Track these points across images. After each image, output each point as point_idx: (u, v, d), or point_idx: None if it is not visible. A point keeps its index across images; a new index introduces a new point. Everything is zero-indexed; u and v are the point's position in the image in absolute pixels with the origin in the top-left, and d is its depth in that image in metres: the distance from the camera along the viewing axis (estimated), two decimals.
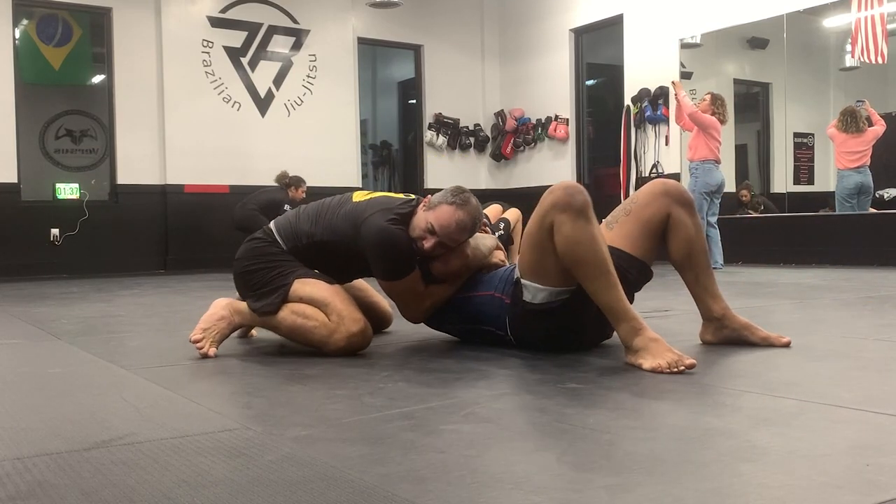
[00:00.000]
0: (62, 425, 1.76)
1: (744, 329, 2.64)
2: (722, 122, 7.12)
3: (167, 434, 1.64)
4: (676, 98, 7.35)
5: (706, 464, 1.39)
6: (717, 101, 7.13)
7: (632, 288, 2.65)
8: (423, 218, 2.63)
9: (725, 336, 2.65)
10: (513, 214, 5.85)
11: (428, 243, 2.61)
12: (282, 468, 1.38)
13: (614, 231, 2.63)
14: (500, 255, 2.84)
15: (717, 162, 7.09)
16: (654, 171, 8.82)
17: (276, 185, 8.13)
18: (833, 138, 7.68)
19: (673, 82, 7.60)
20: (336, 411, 1.86)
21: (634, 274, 2.62)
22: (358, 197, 2.81)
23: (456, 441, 1.55)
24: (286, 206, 7.74)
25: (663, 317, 3.55)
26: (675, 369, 2.17)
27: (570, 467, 1.40)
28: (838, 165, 7.64)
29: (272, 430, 1.66)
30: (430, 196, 2.72)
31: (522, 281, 2.50)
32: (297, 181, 8.04)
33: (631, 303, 2.68)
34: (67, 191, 8.43)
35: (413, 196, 2.82)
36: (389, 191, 9.94)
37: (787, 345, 2.61)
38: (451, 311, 2.79)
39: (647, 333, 2.27)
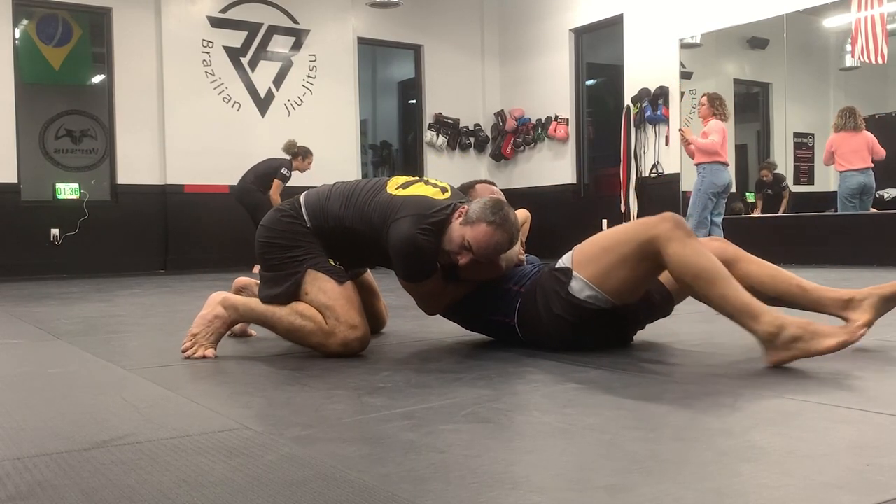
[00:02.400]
0: (62, 425, 1.76)
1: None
2: (724, 119, 7.07)
3: (167, 434, 1.64)
4: (689, 145, 7.17)
5: (706, 464, 1.39)
6: (715, 102, 7.05)
7: (655, 313, 2.66)
8: (460, 234, 2.52)
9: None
10: (520, 216, 5.81)
11: (463, 259, 2.54)
12: (282, 468, 1.38)
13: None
14: (521, 258, 2.81)
15: (726, 164, 7.04)
16: (654, 171, 8.82)
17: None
18: (834, 143, 7.56)
19: (680, 130, 7.52)
20: (336, 411, 1.86)
21: (658, 298, 2.61)
22: (394, 186, 2.69)
23: (456, 441, 1.55)
24: (283, 170, 7.68)
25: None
26: (859, 335, 2.17)
27: (570, 467, 1.40)
28: (839, 168, 7.55)
29: (272, 430, 1.66)
30: (465, 206, 2.60)
31: (575, 273, 2.47)
32: (305, 152, 7.92)
33: (642, 327, 2.70)
34: (67, 191, 8.43)
35: (448, 189, 2.71)
36: None
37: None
38: (467, 304, 2.76)
39: (795, 321, 2.17)
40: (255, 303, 2.69)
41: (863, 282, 5.28)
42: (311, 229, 2.68)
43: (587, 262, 2.47)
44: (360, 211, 2.65)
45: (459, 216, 2.56)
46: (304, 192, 2.81)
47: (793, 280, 2.52)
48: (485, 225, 2.50)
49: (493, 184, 3.16)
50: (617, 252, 2.40)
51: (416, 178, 2.82)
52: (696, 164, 7.12)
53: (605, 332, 2.58)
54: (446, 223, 2.56)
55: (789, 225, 7.98)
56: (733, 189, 7.99)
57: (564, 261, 2.55)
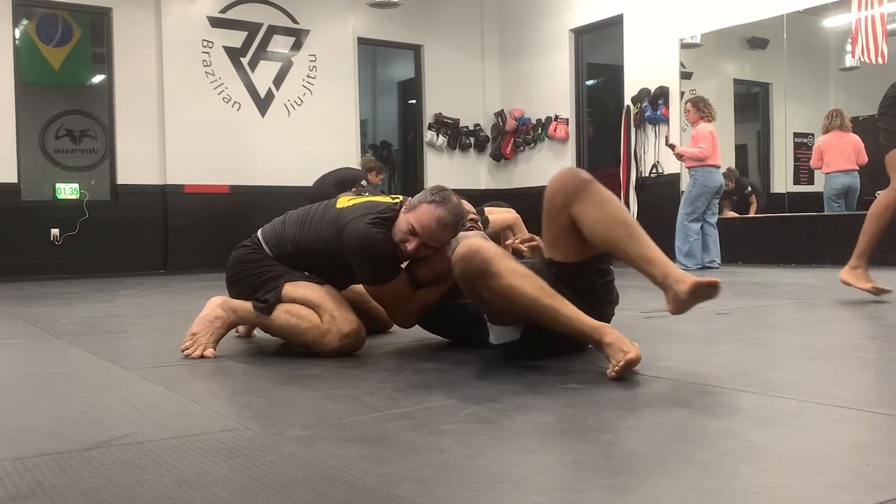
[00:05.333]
0: (62, 425, 1.76)
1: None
2: (712, 120, 7.19)
3: (167, 434, 1.64)
4: (681, 156, 7.40)
5: (706, 464, 1.39)
6: (699, 105, 7.22)
7: (605, 292, 2.52)
8: (405, 220, 2.60)
9: (676, 297, 2.23)
10: (506, 216, 5.78)
11: (410, 245, 2.59)
12: (282, 468, 1.38)
13: (546, 243, 2.51)
14: None
15: (717, 166, 7.20)
16: (654, 171, 8.82)
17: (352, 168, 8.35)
18: (823, 144, 7.66)
19: (671, 146, 7.75)
20: (336, 411, 1.86)
21: (589, 275, 2.44)
22: (342, 202, 2.78)
23: (456, 441, 1.55)
24: (363, 182, 7.97)
25: (663, 317, 3.54)
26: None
27: (570, 467, 1.40)
28: (825, 170, 7.68)
29: (272, 430, 1.66)
30: (410, 198, 2.70)
31: (490, 325, 2.45)
32: (379, 168, 8.36)
33: (617, 303, 2.60)
34: (67, 191, 8.42)
35: (399, 198, 2.79)
36: (389, 192, 9.96)
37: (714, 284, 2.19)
38: (443, 317, 2.77)
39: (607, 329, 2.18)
40: (251, 305, 2.71)
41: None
42: (274, 257, 2.74)
43: (488, 311, 2.44)
44: (314, 231, 2.71)
45: (405, 208, 2.65)
46: (260, 229, 2.88)
47: (621, 241, 2.29)
48: (425, 205, 2.58)
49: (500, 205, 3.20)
50: (473, 290, 2.34)
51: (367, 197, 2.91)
52: (689, 168, 7.32)
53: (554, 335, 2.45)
54: (395, 218, 2.64)
55: (789, 225, 7.98)
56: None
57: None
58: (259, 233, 2.85)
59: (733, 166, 8.85)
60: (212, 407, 1.93)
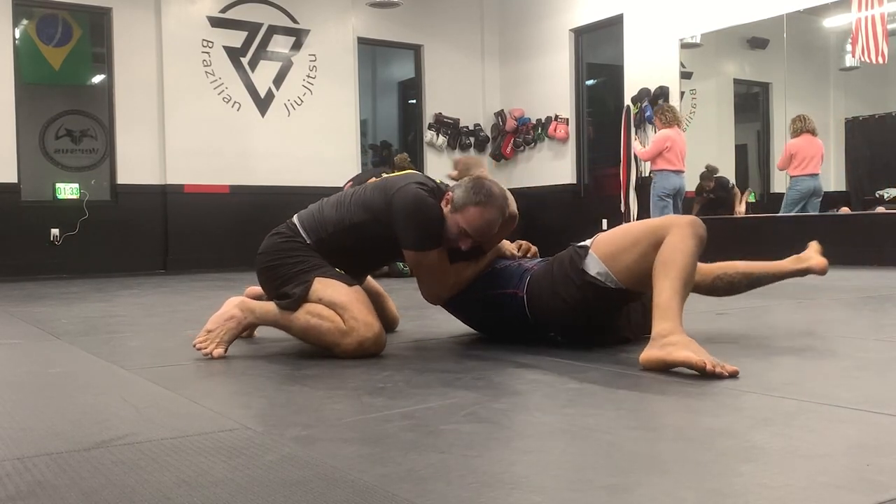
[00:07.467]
0: (62, 425, 1.76)
1: None
2: (672, 125, 7.60)
3: (167, 434, 1.64)
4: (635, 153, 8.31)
5: (706, 464, 1.39)
6: (658, 113, 7.85)
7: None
8: (454, 221, 2.63)
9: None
10: None
11: (465, 245, 2.65)
12: (282, 468, 1.38)
13: None
14: (511, 251, 2.90)
15: (674, 171, 7.63)
16: (653, 171, 8.82)
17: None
18: (794, 148, 7.71)
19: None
20: (336, 411, 1.86)
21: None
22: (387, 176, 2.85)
23: (456, 441, 1.55)
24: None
25: None
26: (719, 368, 2.08)
27: (570, 467, 1.40)
28: (793, 172, 7.74)
29: (272, 430, 1.66)
30: (450, 192, 2.68)
31: (592, 253, 2.54)
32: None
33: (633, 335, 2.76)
34: (67, 191, 8.42)
35: (436, 180, 2.83)
36: None
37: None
38: (493, 305, 2.81)
39: (684, 335, 2.22)
40: (270, 305, 2.70)
41: (862, 282, 5.28)
42: (311, 245, 2.74)
43: (604, 243, 2.56)
44: (359, 202, 2.75)
45: (447, 203, 2.67)
46: (296, 214, 2.88)
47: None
48: (472, 207, 2.60)
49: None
50: (632, 236, 2.50)
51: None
52: (652, 171, 8.01)
53: (602, 317, 2.65)
54: (441, 198, 2.69)
55: (788, 225, 7.97)
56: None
57: (586, 241, 2.63)
58: (295, 218, 2.85)
59: (711, 164, 8.93)
60: (212, 407, 1.93)
